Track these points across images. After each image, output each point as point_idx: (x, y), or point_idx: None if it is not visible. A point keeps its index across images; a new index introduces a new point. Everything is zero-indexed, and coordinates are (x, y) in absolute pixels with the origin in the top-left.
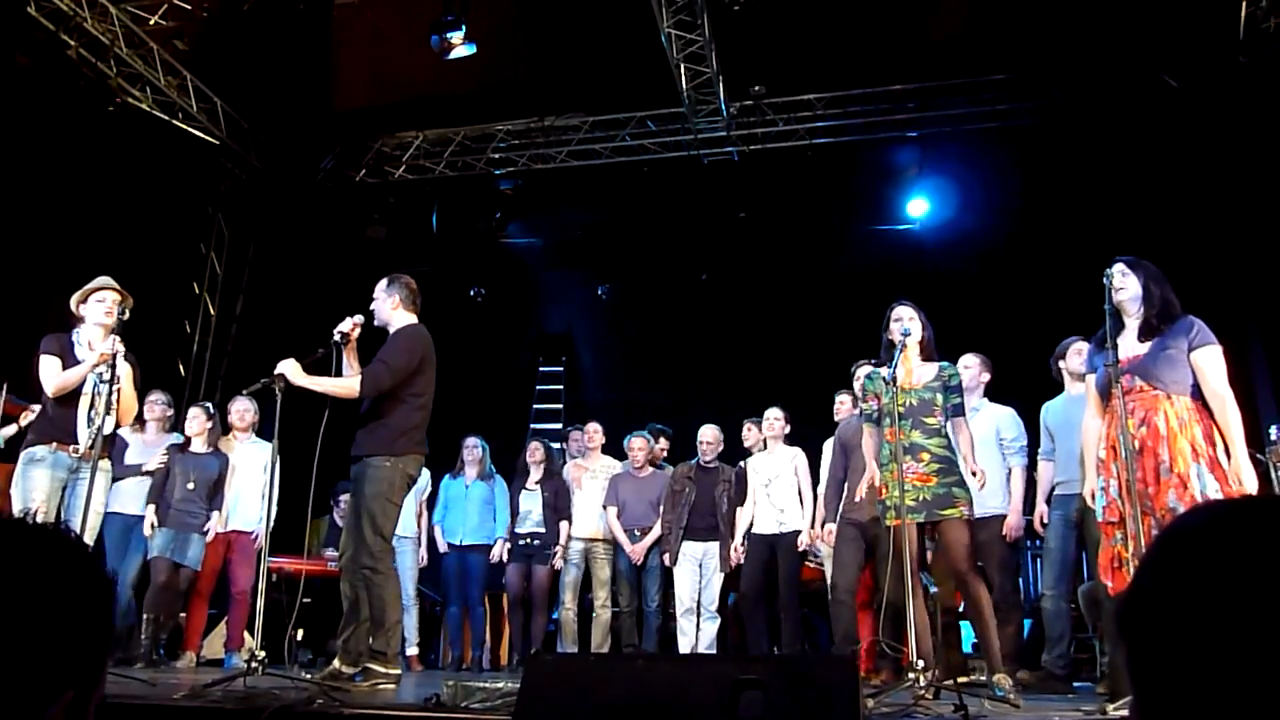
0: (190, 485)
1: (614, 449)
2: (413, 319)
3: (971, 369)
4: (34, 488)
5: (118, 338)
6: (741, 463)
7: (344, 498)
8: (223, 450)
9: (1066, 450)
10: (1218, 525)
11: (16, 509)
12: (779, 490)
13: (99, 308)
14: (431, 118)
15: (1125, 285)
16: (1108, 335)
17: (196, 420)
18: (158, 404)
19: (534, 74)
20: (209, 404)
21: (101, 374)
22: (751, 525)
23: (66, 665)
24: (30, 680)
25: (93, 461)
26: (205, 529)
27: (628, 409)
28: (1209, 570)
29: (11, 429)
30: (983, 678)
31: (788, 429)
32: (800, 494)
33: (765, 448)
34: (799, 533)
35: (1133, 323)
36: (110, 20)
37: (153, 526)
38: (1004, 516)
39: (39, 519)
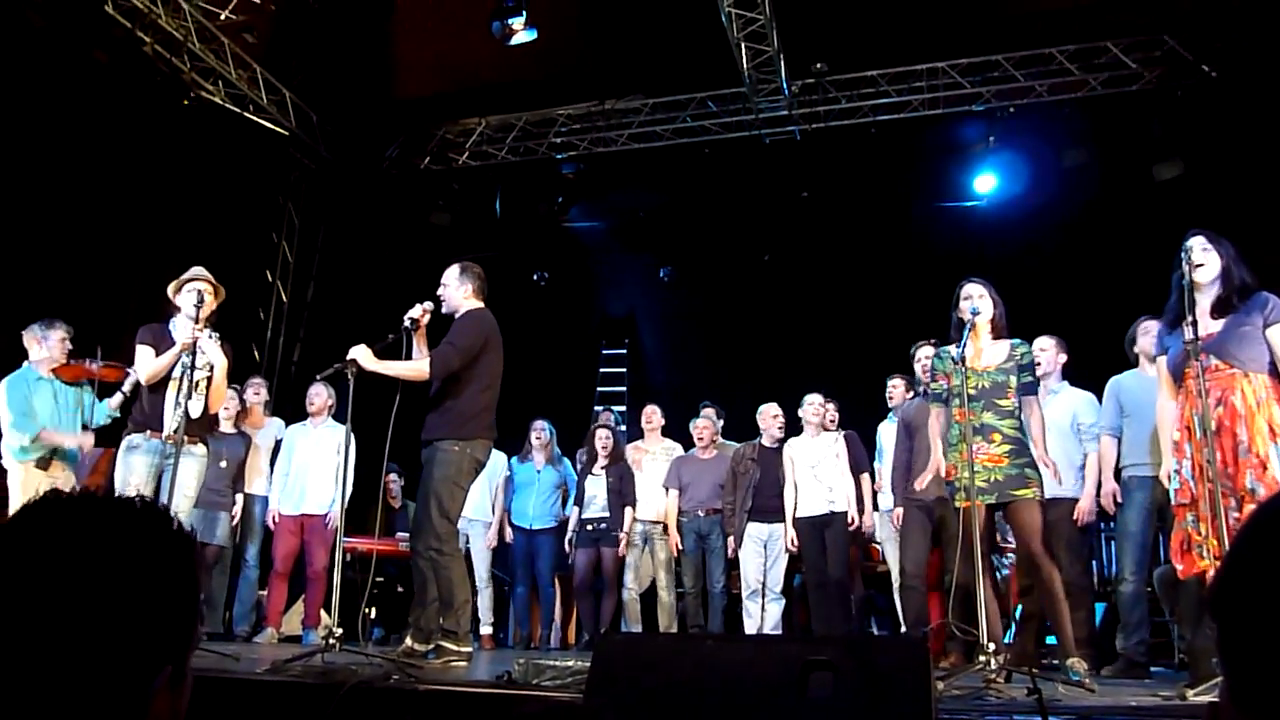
0: (223, 464)
1: (679, 430)
2: (479, 305)
3: (1048, 351)
4: (132, 472)
5: (196, 326)
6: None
7: (391, 478)
8: (245, 431)
9: (1142, 431)
10: None
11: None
12: (826, 471)
13: (189, 299)
14: (493, 104)
15: (1206, 261)
16: (1186, 311)
17: (231, 402)
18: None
19: (594, 58)
20: (235, 386)
21: (184, 361)
22: (796, 508)
23: (168, 640)
24: (139, 655)
25: (162, 445)
26: (233, 511)
27: (691, 391)
28: None
29: (118, 398)
30: (1055, 661)
31: (825, 414)
32: (847, 475)
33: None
34: (847, 513)
35: (1205, 300)
36: (183, 16)
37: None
38: (1074, 500)
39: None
